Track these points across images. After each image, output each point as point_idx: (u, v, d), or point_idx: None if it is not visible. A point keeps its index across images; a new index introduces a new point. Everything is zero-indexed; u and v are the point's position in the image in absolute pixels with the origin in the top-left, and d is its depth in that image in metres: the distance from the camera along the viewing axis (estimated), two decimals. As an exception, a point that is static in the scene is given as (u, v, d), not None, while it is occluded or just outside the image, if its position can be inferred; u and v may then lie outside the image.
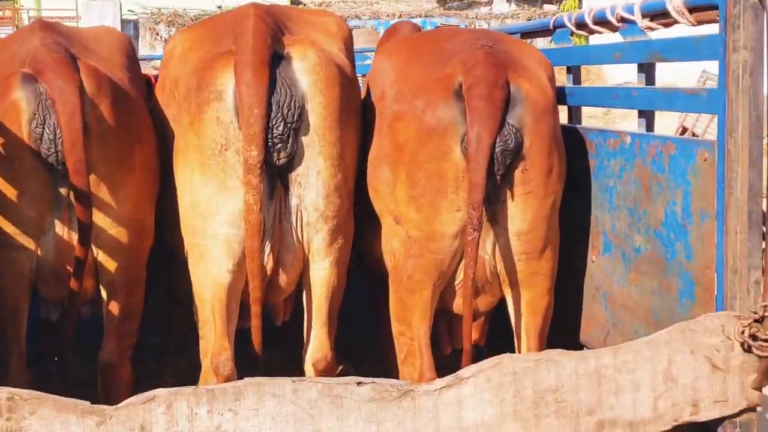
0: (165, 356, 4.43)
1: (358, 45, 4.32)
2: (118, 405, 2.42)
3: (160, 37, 26.23)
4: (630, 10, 3.16)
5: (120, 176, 3.27)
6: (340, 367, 3.38)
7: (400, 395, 2.48)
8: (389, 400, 2.48)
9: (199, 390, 2.46)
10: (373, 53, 6.20)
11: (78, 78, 3.10)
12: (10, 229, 3.17)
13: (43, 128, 3.08)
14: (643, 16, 3.10)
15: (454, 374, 2.58)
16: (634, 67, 3.45)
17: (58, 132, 3.06)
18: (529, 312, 3.26)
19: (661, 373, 2.62)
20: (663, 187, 2.95)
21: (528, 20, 29.29)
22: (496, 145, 2.98)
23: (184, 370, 4.21)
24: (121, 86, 3.39)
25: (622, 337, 3.21)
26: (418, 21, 27.94)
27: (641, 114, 3.38)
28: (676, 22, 2.93)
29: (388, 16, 28.82)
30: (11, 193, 3.15)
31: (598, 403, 2.60)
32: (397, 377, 3.97)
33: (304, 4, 30.79)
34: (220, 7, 27.00)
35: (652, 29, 3.12)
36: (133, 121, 3.36)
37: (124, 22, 25.92)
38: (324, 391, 2.46)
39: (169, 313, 4.39)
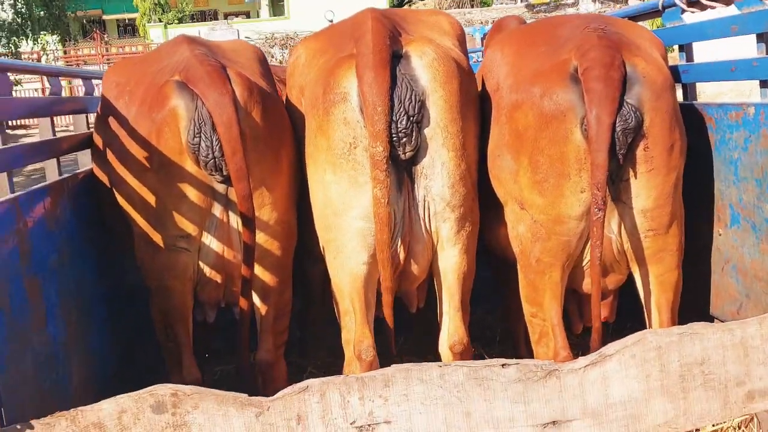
0: (306, 350, 4.37)
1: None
2: (275, 396, 2.34)
3: (276, 59, 26.71)
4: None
5: (271, 179, 3.17)
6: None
7: (545, 375, 2.31)
8: (535, 380, 2.31)
9: (349, 379, 2.35)
10: (477, 53, 6.04)
11: (231, 88, 2.99)
12: (173, 232, 3.13)
13: (200, 136, 2.99)
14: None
15: (596, 352, 2.39)
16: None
17: (214, 140, 2.97)
18: (659, 288, 3.02)
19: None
20: (794, 154, 2.66)
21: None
22: (617, 125, 2.77)
23: (324, 361, 4.15)
24: (267, 92, 3.27)
25: (757, 309, 2.94)
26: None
27: (763, 84, 3.06)
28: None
29: (480, 23, 28.49)
30: (172, 198, 3.09)
31: (746, 374, 2.37)
32: (525, 357, 3.80)
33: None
34: (331, 21, 27.28)
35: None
36: (279, 125, 3.25)
37: (242, 49, 26.45)
38: (470, 375, 2.31)
39: (306, 309, 4.32)
